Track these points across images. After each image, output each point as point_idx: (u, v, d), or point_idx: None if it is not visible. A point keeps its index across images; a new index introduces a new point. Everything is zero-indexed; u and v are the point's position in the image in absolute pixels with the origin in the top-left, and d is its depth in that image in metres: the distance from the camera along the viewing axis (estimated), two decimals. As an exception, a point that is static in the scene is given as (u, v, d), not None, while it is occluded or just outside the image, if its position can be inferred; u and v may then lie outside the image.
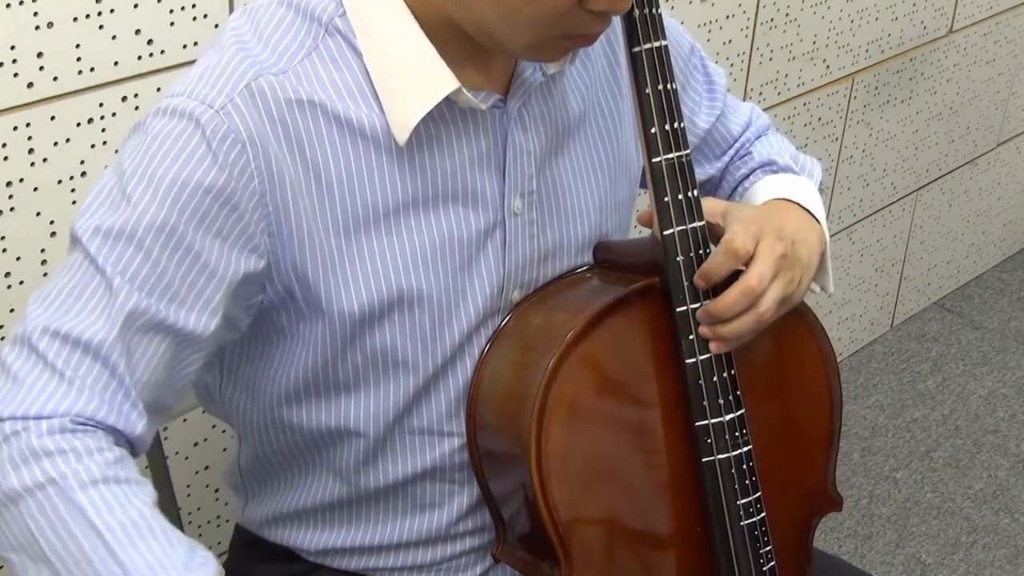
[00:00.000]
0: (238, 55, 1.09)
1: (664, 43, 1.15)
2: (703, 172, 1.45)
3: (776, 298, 1.18)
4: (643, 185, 1.38)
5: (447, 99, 1.12)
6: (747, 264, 1.17)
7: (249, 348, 1.21)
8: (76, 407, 1.03)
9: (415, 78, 1.10)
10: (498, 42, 1.09)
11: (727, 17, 2.23)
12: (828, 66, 2.50)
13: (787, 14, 2.35)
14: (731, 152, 1.44)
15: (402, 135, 1.11)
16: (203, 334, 1.10)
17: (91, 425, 1.04)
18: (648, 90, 1.16)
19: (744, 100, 2.36)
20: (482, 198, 1.18)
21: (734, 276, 1.18)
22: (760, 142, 1.44)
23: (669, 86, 1.16)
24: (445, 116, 1.14)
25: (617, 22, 1.18)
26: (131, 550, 0.98)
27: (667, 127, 1.16)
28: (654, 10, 1.15)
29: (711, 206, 1.21)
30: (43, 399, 1.03)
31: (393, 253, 1.14)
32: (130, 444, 1.08)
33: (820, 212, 1.30)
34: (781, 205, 1.30)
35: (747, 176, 1.42)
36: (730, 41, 2.26)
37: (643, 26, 1.15)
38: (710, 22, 2.20)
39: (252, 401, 1.24)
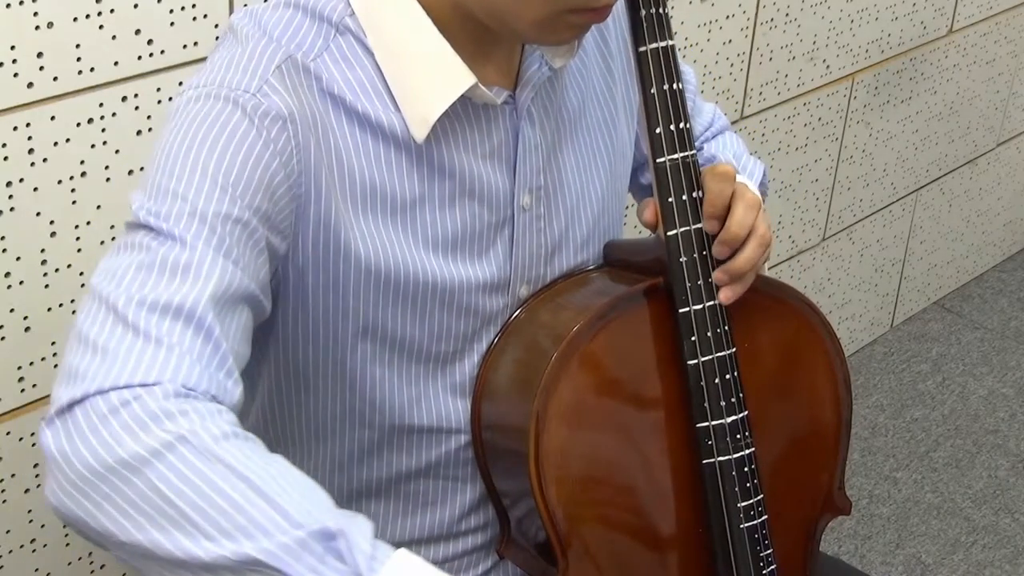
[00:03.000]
0: (262, 41, 1.09)
1: (671, 43, 1.16)
2: None
3: (768, 224, 1.19)
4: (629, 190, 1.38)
5: (461, 95, 1.12)
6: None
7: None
8: (180, 375, 0.95)
9: (431, 75, 1.11)
10: (506, 22, 1.09)
11: (727, 17, 2.23)
12: (828, 66, 2.50)
13: (787, 14, 2.34)
14: None
15: (420, 132, 1.12)
16: (268, 306, 1.08)
17: (198, 394, 0.97)
18: (654, 90, 1.16)
19: (744, 100, 2.38)
20: (493, 193, 1.18)
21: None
22: (713, 141, 1.44)
23: (676, 86, 1.16)
24: (459, 112, 1.14)
25: (622, 16, 1.18)
26: (284, 494, 0.91)
27: (672, 127, 1.16)
28: (661, 10, 1.15)
29: None
30: (144, 366, 0.95)
31: (407, 242, 1.14)
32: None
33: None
34: None
35: None
36: (730, 41, 2.26)
37: (649, 25, 1.15)
38: (710, 22, 2.20)
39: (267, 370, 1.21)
